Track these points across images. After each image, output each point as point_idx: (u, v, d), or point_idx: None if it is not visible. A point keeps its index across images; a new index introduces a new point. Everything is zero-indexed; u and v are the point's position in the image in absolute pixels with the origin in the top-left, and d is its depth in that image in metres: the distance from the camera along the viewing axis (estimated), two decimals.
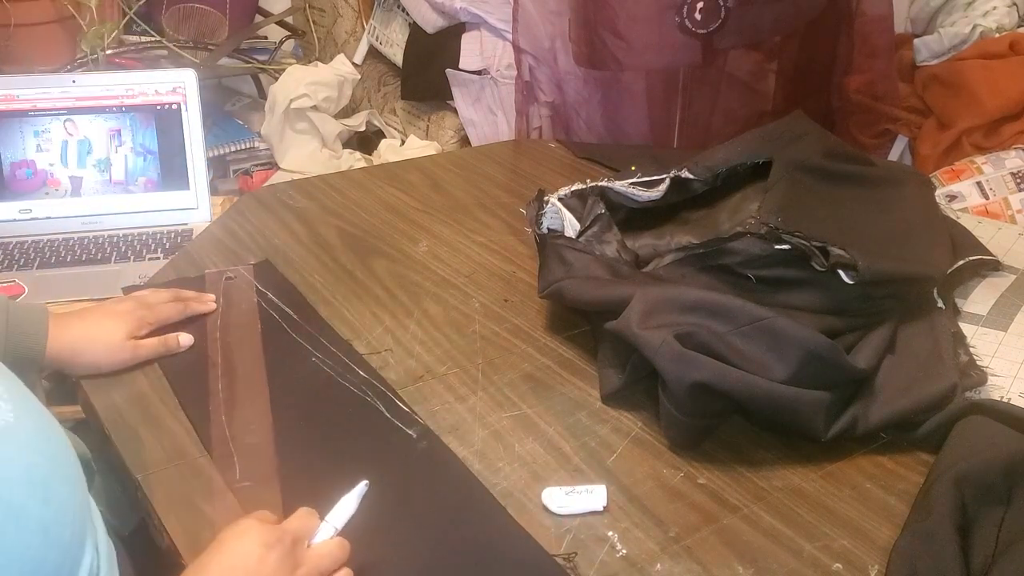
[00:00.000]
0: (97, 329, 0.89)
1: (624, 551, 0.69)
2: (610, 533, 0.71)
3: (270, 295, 1.04)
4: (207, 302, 1.00)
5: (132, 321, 0.90)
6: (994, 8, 1.66)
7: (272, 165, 1.99)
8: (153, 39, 1.98)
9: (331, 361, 0.92)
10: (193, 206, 1.39)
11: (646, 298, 0.84)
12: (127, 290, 1.06)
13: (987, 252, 1.05)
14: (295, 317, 0.99)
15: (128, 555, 0.88)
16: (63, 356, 0.86)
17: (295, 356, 0.93)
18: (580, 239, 1.03)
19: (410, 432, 0.82)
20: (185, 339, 0.93)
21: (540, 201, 1.06)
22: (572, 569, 0.67)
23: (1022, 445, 0.73)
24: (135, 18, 1.94)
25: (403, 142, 2.08)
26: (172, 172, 1.38)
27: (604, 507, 0.73)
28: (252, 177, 1.97)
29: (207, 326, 0.97)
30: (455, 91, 1.94)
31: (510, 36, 1.69)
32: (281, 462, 0.77)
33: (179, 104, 1.36)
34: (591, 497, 0.73)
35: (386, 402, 0.85)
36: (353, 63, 2.15)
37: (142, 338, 0.91)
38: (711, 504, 0.74)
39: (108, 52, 1.83)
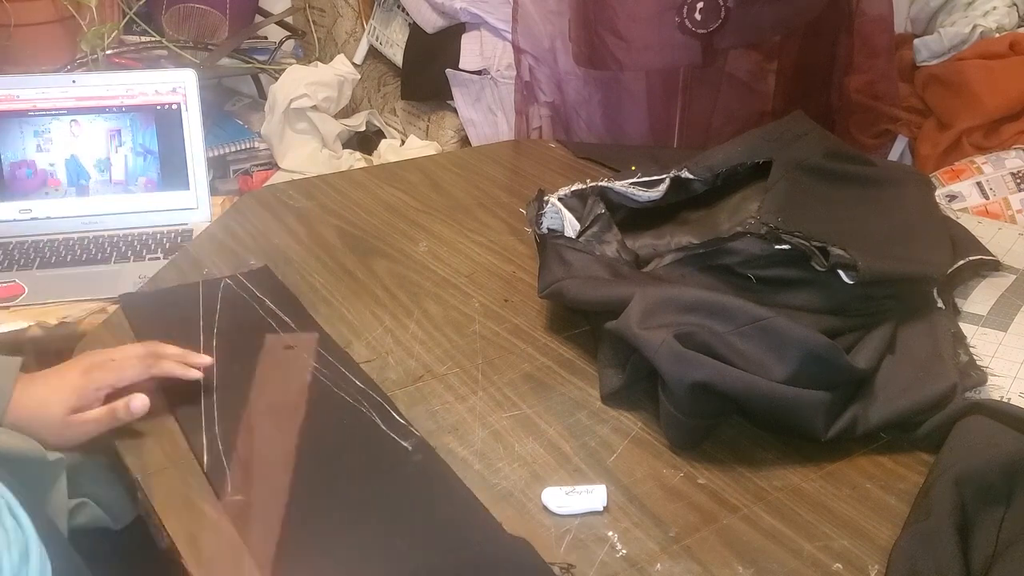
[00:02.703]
0: (42, 403, 0.79)
1: (624, 551, 0.69)
2: (610, 533, 0.71)
3: (268, 302, 1.03)
4: (189, 367, 0.86)
5: (75, 393, 0.79)
6: (994, 8, 1.66)
7: (272, 165, 1.99)
8: (153, 39, 1.98)
9: (327, 371, 0.90)
10: (193, 206, 1.39)
11: (646, 298, 0.84)
12: (124, 297, 1.05)
13: (987, 252, 1.05)
14: (292, 325, 0.98)
15: (119, 551, 0.88)
16: (20, 424, 0.77)
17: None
18: (580, 239, 1.03)
19: (405, 444, 0.80)
20: (137, 404, 0.79)
21: (540, 201, 1.06)
22: None
23: (1022, 445, 0.73)
24: (135, 18, 1.94)
25: (403, 142, 2.08)
26: (172, 172, 1.38)
27: (604, 507, 0.73)
28: (252, 177, 1.97)
29: (202, 334, 0.96)
30: (455, 91, 1.94)
31: (510, 36, 1.69)
32: (275, 474, 0.77)
33: (179, 104, 1.36)
34: (591, 497, 0.73)
35: (381, 413, 0.84)
36: (353, 63, 2.15)
37: (96, 403, 0.80)
38: (711, 504, 0.74)
39: (108, 52, 1.83)
